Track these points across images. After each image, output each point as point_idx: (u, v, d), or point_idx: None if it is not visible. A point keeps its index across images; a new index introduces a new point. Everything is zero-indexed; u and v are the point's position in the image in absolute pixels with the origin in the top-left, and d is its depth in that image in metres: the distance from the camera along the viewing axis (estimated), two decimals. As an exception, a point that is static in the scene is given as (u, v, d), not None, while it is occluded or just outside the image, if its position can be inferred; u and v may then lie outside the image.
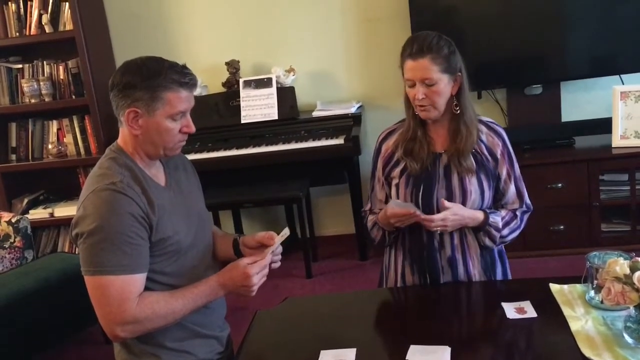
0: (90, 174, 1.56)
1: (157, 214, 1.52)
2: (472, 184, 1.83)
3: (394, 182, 1.90)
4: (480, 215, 1.83)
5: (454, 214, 1.77)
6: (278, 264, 1.64)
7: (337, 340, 1.55)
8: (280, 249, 1.63)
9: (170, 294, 1.52)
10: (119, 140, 1.59)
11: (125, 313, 1.45)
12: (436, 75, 1.76)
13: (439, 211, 1.82)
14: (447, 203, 1.78)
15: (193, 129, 1.58)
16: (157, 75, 1.49)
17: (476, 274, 1.88)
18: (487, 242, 1.86)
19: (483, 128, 1.89)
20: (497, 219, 1.85)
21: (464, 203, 1.82)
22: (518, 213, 1.89)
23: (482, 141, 1.87)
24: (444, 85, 1.78)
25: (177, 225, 1.58)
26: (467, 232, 1.87)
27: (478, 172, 1.85)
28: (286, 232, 1.61)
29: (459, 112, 1.83)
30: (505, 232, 1.86)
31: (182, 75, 1.52)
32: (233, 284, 1.53)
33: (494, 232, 1.84)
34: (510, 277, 1.98)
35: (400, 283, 1.95)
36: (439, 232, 1.82)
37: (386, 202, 1.94)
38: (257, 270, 1.52)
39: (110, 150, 1.59)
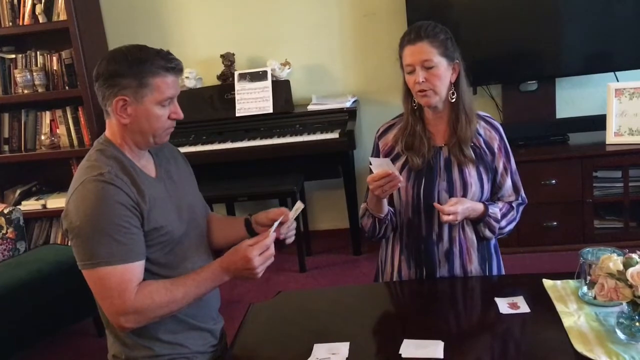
0: (78, 167, 1.55)
1: (148, 204, 1.51)
2: (472, 176, 1.85)
3: None
4: (480, 206, 1.84)
5: (462, 206, 1.77)
6: (292, 239, 1.61)
7: (331, 334, 1.55)
8: (294, 223, 1.60)
9: (170, 282, 1.50)
10: (107, 132, 1.58)
11: (126, 303, 1.44)
12: (435, 58, 1.78)
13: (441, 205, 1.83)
14: (450, 201, 1.77)
15: (181, 115, 1.57)
16: (144, 61, 1.48)
17: (472, 268, 1.89)
18: (487, 233, 1.87)
19: (481, 122, 1.91)
20: (495, 210, 1.86)
21: (464, 195, 1.84)
22: (514, 205, 1.92)
23: (480, 135, 1.89)
24: (444, 69, 1.80)
25: (169, 217, 1.57)
26: (466, 225, 1.88)
27: (477, 164, 1.86)
28: (299, 205, 1.57)
29: (454, 100, 1.84)
30: (503, 223, 1.87)
31: (168, 61, 1.51)
32: (235, 268, 1.49)
33: (493, 222, 1.85)
34: (503, 272, 1.99)
35: (397, 277, 1.95)
36: (446, 223, 1.80)
37: (391, 198, 1.92)
38: (257, 252, 1.47)
39: (98, 142, 1.58)
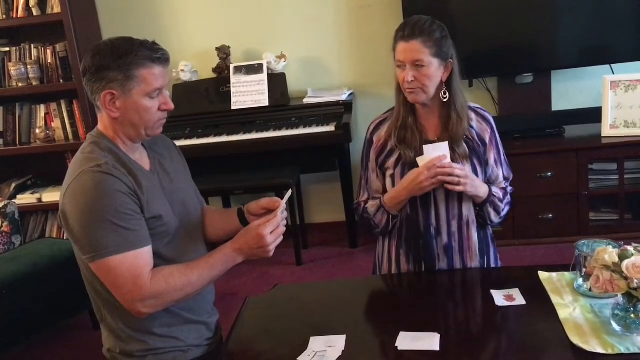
0: (73, 160, 1.54)
1: (145, 194, 1.51)
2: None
3: (389, 172, 1.89)
4: (485, 185, 1.85)
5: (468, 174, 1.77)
6: (283, 229, 1.61)
7: (327, 327, 1.55)
8: (285, 213, 1.61)
9: (184, 266, 1.51)
10: (99, 126, 1.57)
11: (142, 289, 1.44)
12: (427, 58, 1.76)
13: (435, 200, 1.85)
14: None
15: (171, 105, 1.55)
16: (129, 53, 1.46)
17: (472, 264, 1.89)
18: (493, 214, 1.86)
19: (472, 114, 1.90)
20: (496, 189, 1.87)
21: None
22: (508, 190, 1.93)
23: (472, 127, 1.88)
24: (434, 69, 1.78)
25: (164, 209, 1.57)
26: (466, 214, 1.86)
27: (471, 157, 1.85)
28: (289, 193, 1.60)
29: (447, 99, 1.83)
30: (502, 205, 1.88)
31: (153, 51, 1.49)
32: (248, 247, 1.51)
33: (498, 202, 1.86)
34: (499, 262, 2.00)
35: (395, 270, 1.95)
36: (458, 183, 1.76)
37: (384, 192, 1.92)
38: (270, 229, 1.49)
39: (92, 135, 1.57)
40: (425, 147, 1.79)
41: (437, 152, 1.76)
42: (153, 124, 1.54)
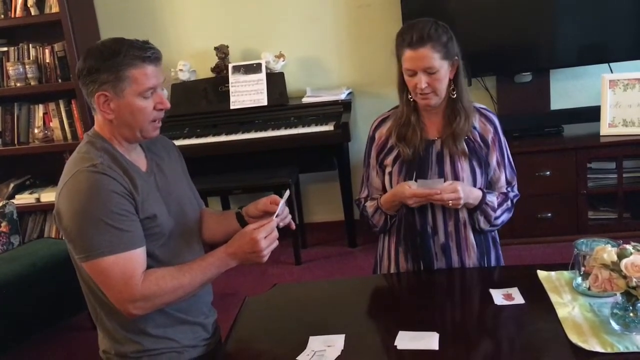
0: (69, 160, 1.53)
1: (140, 195, 1.50)
2: (464, 170, 1.84)
3: (387, 169, 1.90)
4: (478, 192, 1.83)
5: (462, 187, 1.76)
6: (293, 225, 1.62)
7: (326, 327, 1.55)
8: (287, 210, 1.60)
9: (176, 269, 1.50)
10: (96, 126, 1.57)
11: (133, 290, 1.43)
12: (437, 63, 1.76)
13: (431, 202, 1.83)
14: (449, 185, 1.76)
15: (167, 104, 1.54)
16: (118, 54, 1.45)
17: (470, 263, 1.88)
18: (482, 222, 1.85)
19: (476, 115, 1.89)
20: (492, 198, 1.85)
21: None
22: (510, 195, 1.90)
23: (475, 128, 1.87)
24: (445, 71, 1.79)
25: (158, 209, 1.56)
26: (462, 216, 1.85)
27: (471, 158, 1.85)
28: (287, 194, 1.60)
29: (455, 95, 1.83)
30: (498, 212, 1.85)
31: (143, 51, 1.48)
32: (242, 252, 1.49)
33: (490, 211, 1.83)
34: (503, 263, 1.98)
35: (394, 270, 1.95)
36: (450, 205, 1.76)
37: (383, 190, 1.93)
38: (264, 234, 1.47)
39: (88, 135, 1.57)
40: (419, 181, 1.78)
41: (427, 185, 1.75)
42: (147, 124, 1.53)
